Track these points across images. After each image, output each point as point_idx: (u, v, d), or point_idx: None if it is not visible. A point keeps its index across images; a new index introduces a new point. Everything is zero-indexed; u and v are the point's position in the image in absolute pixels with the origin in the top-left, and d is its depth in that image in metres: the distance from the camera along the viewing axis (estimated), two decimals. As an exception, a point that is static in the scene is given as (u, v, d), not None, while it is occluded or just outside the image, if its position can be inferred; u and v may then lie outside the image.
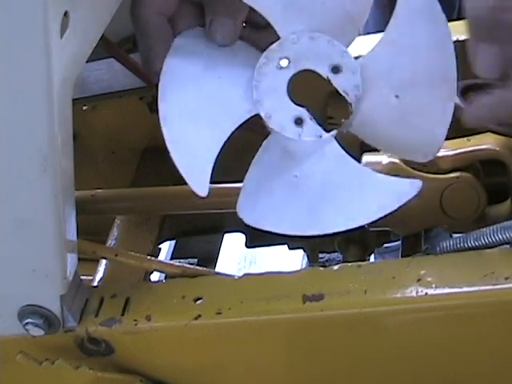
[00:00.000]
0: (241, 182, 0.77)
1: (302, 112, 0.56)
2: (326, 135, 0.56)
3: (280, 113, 0.55)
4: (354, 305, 0.56)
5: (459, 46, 0.80)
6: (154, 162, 0.90)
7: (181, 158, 0.57)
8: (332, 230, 0.57)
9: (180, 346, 0.60)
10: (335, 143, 0.57)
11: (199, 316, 0.58)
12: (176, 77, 0.58)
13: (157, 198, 0.79)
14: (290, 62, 0.56)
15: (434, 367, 0.59)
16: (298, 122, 0.56)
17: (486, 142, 0.68)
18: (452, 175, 0.68)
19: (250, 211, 0.57)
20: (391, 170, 0.69)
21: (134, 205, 0.80)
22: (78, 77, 0.54)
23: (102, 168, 0.93)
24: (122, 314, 0.59)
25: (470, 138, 0.69)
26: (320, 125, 0.56)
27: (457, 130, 0.69)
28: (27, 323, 0.58)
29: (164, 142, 0.91)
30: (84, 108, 0.88)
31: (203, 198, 0.56)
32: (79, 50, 0.53)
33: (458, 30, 0.80)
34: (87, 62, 0.55)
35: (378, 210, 0.56)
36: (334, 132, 0.56)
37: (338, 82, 0.56)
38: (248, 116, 0.56)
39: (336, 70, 0.56)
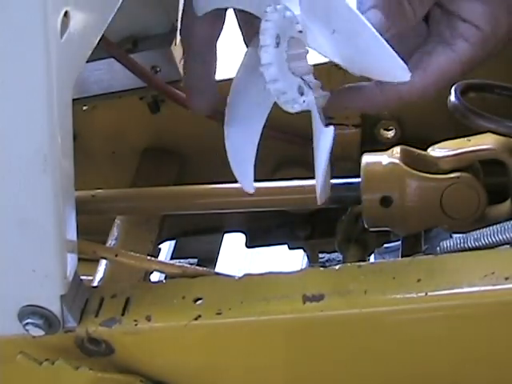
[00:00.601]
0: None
1: (300, 81, 0.56)
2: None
3: (291, 92, 0.55)
4: (354, 305, 0.56)
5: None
6: (154, 162, 0.90)
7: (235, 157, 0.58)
8: None
9: (180, 346, 0.60)
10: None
11: (199, 316, 0.58)
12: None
13: (157, 198, 0.79)
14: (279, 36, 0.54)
15: (434, 367, 0.59)
16: (300, 89, 0.55)
17: (486, 142, 0.68)
18: (452, 175, 0.68)
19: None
20: (391, 170, 0.69)
21: (134, 205, 0.80)
22: (77, 77, 0.54)
23: (102, 168, 0.93)
24: (122, 314, 0.59)
25: (470, 138, 0.69)
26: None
27: (457, 130, 0.69)
28: (27, 323, 0.58)
29: (164, 141, 0.91)
30: (84, 108, 0.88)
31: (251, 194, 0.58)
32: (79, 50, 0.53)
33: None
34: (87, 62, 0.55)
35: None
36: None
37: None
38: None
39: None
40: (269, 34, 0.54)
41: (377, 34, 0.51)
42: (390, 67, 0.53)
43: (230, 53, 0.89)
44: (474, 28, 0.56)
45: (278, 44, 0.54)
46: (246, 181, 0.60)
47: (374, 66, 0.54)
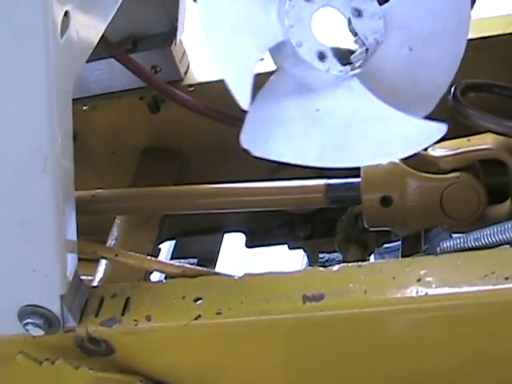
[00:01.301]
0: (240, 181, 0.77)
1: (326, 48, 0.56)
2: (350, 72, 0.56)
3: (307, 44, 0.55)
4: (354, 305, 0.56)
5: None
6: (154, 161, 0.90)
7: (225, 69, 0.54)
8: (362, 163, 0.59)
9: (180, 346, 0.60)
10: (357, 80, 0.57)
11: (199, 316, 0.58)
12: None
13: (157, 197, 0.79)
14: None
15: (434, 367, 0.59)
16: (322, 56, 0.56)
17: (486, 142, 0.68)
18: (452, 175, 0.68)
19: (261, 144, 0.55)
20: (391, 170, 0.69)
21: (134, 205, 0.80)
22: (77, 77, 0.54)
23: (102, 168, 0.93)
24: (122, 314, 0.59)
25: (470, 138, 0.69)
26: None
27: (457, 130, 0.69)
28: (27, 323, 0.58)
29: (164, 141, 0.91)
30: (84, 108, 0.88)
31: (246, 111, 0.54)
32: (79, 50, 0.53)
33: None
34: (87, 62, 0.55)
35: (404, 148, 0.57)
36: (357, 70, 0.56)
37: (359, 25, 0.57)
38: (279, 40, 0.56)
39: (357, 13, 0.57)
40: None
41: None
42: None
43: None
44: None
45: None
46: (242, 96, 0.54)
47: None
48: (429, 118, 0.59)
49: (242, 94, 0.52)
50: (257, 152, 0.54)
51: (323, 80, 0.56)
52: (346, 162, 0.57)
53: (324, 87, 0.57)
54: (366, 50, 0.57)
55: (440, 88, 0.60)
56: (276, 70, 0.57)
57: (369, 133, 0.57)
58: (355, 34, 0.57)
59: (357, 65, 0.57)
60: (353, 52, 0.57)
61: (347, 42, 0.58)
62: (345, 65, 0.56)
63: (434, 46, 0.58)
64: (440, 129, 0.56)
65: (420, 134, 0.57)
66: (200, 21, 0.53)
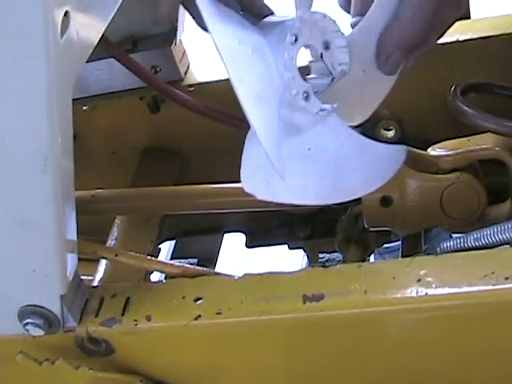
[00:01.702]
0: (240, 181, 0.77)
1: (309, 86, 0.58)
2: (331, 107, 0.59)
3: (297, 87, 0.58)
4: (354, 305, 0.56)
5: (459, 45, 0.81)
6: (154, 161, 0.90)
7: (261, 133, 0.56)
8: (354, 196, 0.61)
9: (180, 346, 0.60)
10: (336, 116, 0.60)
11: (199, 316, 0.58)
12: (232, 57, 0.56)
13: (157, 197, 0.79)
14: (296, 40, 0.58)
15: (434, 367, 0.59)
16: (306, 96, 0.58)
17: (485, 142, 0.68)
18: (452, 175, 0.68)
19: (263, 187, 0.57)
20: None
21: (134, 205, 0.80)
22: (77, 77, 0.54)
23: (102, 168, 0.93)
24: (122, 314, 0.59)
25: (470, 138, 0.69)
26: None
27: (457, 130, 0.69)
28: (27, 323, 0.58)
29: (164, 141, 0.91)
30: (84, 108, 0.88)
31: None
32: (79, 49, 0.53)
33: (458, 30, 0.81)
34: (87, 62, 0.55)
35: (386, 173, 0.62)
36: (334, 104, 0.59)
37: (327, 57, 0.60)
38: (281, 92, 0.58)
39: (326, 45, 0.60)
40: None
41: None
42: None
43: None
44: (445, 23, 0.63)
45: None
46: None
47: None
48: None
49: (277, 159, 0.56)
50: (260, 195, 0.57)
51: (309, 119, 0.59)
52: (342, 197, 0.61)
53: (311, 126, 0.59)
54: (332, 79, 0.61)
55: (379, 99, 0.65)
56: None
57: (355, 165, 0.61)
58: (325, 66, 0.61)
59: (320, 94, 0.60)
60: (319, 82, 0.61)
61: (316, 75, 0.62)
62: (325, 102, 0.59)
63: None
64: (404, 150, 0.63)
65: (393, 157, 0.63)
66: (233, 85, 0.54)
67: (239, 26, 0.59)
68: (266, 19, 0.62)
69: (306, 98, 0.58)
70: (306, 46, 0.60)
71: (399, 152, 0.63)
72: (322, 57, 0.61)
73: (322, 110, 0.59)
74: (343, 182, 0.60)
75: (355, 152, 0.61)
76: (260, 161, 0.56)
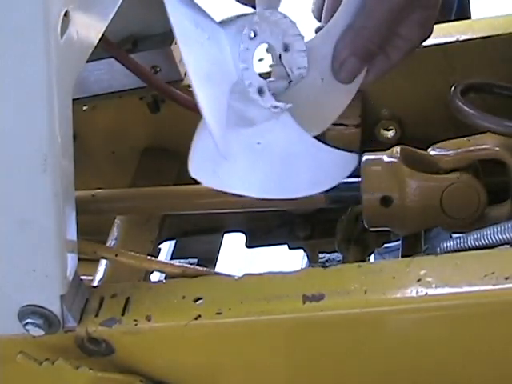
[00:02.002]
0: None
1: (264, 83, 0.60)
2: (284, 105, 0.60)
3: (251, 81, 0.59)
4: (354, 305, 0.56)
5: (459, 45, 0.81)
6: (154, 161, 0.90)
7: (207, 112, 0.56)
8: (299, 195, 0.62)
9: (180, 346, 0.60)
10: (288, 114, 0.61)
11: (199, 316, 0.58)
12: (187, 37, 0.57)
13: (157, 197, 0.79)
14: (256, 35, 0.59)
15: (434, 367, 0.59)
16: (261, 91, 0.59)
17: (485, 142, 0.68)
18: (452, 175, 0.68)
19: (209, 175, 0.59)
20: (391, 170, 0.69)
21: (134, 205, 0.80)
22: (77, 77, 0.54)
23: (102, 168, 0.93)
24: (122, 314, 0.59)
25: (469, 138, 0.69)
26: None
27: (457, 129, 0.69)
28: (27, 323, 0.58)
29: (164, 141, 0.91)
30: (84, 108, 0.88)
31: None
32: (79, 49, 0.53)
33: (458, 30, 0.81)
34: (87, 62, 0.55)
35: (333, 178, 0.63)
36: (288, 104, 0.60)
37: (285, 59, 0.61)
38: (234, 81, 0.59)
39: (286, 47, 0.61)
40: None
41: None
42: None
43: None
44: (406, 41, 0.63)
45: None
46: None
47: None
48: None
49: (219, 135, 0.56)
50: (207, 183, 0.58)
51: (262, 114, 0.60)
52: (286, 194, 0.62)
53: (263, 121, 0.60)
54: (290, 81, 0.62)
55: (338, 111, 0.67)
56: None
57: (303, 165, 0.62)
58: (283, 68, 0.62)
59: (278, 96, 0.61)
60: (277, 84, 0.62)
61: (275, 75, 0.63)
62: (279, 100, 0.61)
63: None
64: (355, 158, 0.64)
65: (344, 163, 0.64)
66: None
67: (199, 13, 0.59)
68: (227, 16, 0.62)
69: (260, 93, 0.59)
70: (266, 45, 0.61)
71: (350, 159, 0.64)
72: (280, 58, 0.61)
73: (275, 106, 0.60)
74: (289, 180, 0.61)
75: (304, 152, 0.62)
76: (209, 148, 0.57)
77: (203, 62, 0.56)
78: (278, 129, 0.61)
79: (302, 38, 0.62)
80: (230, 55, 0.59)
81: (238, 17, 0.60)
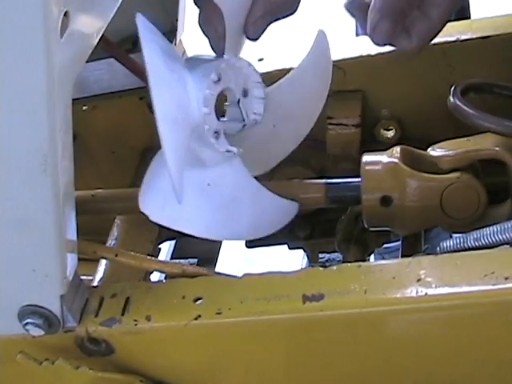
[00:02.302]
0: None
1: (221, 126, 0.63)
2: (237, 151, 0.63)
3: (209, 124, 0.62)
4: (354, 305, 0.56)
5: (459, 45, 0.81)
6: (154, 161, 0.90)
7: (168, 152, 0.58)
8: (240, 238, 0.68)
9: (180, 346, 0.60)
10: (239, 159, 0.65)
11: (199, 316, 0.58)
12: (157, 78, 0.58)
13: (157, 197, 0.79)
14: (219, 80, 0.62)
15: (434, 367, 0.59)
16: (216, 135, 0.62)
17: (485, 142, 0.68)
18: (452, 175, 0.68)
19: (158, 210, 0.60)
20: (391, 170, 0.69)
21: (134, 205, 0.79)
22: (77, 77, 0.54)
23: (102, 168, 0.93)
24: (122, 314, 0.59)
25: (469, 138, 0.69)
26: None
27: (457, 129, 0.69)
28: (27, 323, 0.58)
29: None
30: (84, 108, 0.88)
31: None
32: (79, 49, 0.53)
33: (458, 30, 0.81)
34: (87, 62, 0.55)
35: (273, 225, 0.67)
36: (240, 149, 0.63)
37: (243, 103, 0.65)
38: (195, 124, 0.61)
39: (245, 93, 0.65)
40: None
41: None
42: None
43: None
44: None
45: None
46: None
47: None
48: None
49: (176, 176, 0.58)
50: (153, 217, 0.60)
51: (215, 156, 0.63)
52: (229, 236, 0.67)
53: (215, 163, 0.63)
54: (244, 125, 0.65)
55: (283, 155, 0.71)
56: None
57: (246, 211, 0.65)
58: (239, 111, 0.65)
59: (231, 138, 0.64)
60: (231, 125, 0.65)
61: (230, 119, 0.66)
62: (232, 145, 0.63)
63: (291, 124, 0.69)
64: (295, 206, 0.69)
65: (285, 210, 0.68)
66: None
67: (171, 53, 0.61)
68: (195, 55, 0.65)
69: (216, 137, 0.62)
70: (227, 89, 0.64)
71: (291, 206, 0.68)
72: (238, 103, 0.65)
73: (228, 151, 0.63)
74: (232, 223, 0.64)
75: (249, 198, 0.65)
76: (161, 184, 0.60)
77: (170, 105, 0.58)
78: (228, 172, 0.64)
79: (263, 86, 0.65)
80: (194, 99, 0.61)
81: (205, 61, 0.63)
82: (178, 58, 0.63)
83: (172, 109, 0.58)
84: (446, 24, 0.66)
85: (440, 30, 0.66)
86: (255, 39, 0.63)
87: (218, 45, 0.62)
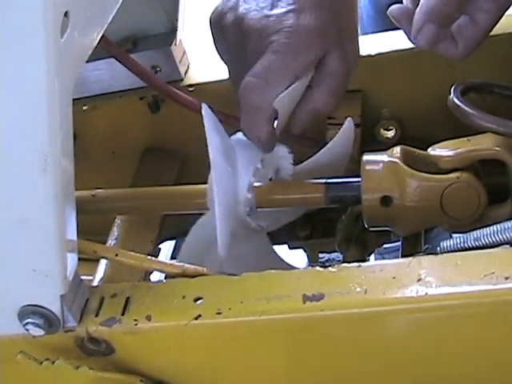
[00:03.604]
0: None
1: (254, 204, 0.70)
2: (266, 226, 0.72)
3: (252, 206, 0.69)
4: (354, 305, 0.56)
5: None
6: (154, 161, 0.90)
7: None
8: None
9: (180, 346, 0.60)
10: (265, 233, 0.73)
11: (199, 316, 0.58)
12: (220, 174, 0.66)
13: (157, 197, 0.79)
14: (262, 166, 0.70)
15: (434, 366, 0.59)
16: (249, 211, 0.69)
17: (486, 142, 0.68)
18: (452, 175, 0.68)
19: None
20: (391, 170, 0.69)
21: (133, 205, 0.80)
22: (77, 77, 0.54)
23: (102, 168, 0.93)
24: (122, 314, 0.59)
25: (470, 138, 0.69)
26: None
27: (457, 129, 0.69)
28: (27, 323, 0.58)
29: (164, 141, 0.91)
30: (84, 108, 0.88)
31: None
32: (79, 49, 0.53)
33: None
34: (87, 62, 0.55)
35: None
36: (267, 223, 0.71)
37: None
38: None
39: (277, 172, 0.72)
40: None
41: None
42: None
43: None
44: (491, 1, 0.62)
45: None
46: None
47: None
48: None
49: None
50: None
51: (245, 232, 0.70)
52: None
53: (244, 237, 0.70)
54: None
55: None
56: None
57: None
58: None
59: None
60: None
61: None
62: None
63: None
64: None
65: None
66: None
67: (227, 145, 0.68)
68: (239, 137, 0.69)
69: (249, 213, 0.69)
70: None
71: None
72: (270, 180, 0.71)
73: (260, 225, 0.70)
74: None
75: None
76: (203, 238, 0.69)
77: (228, 196, 0.65)
78: (253, 243, 0.71)
79: (292, 165, 0.72)
80: (241, 185, 0.67)
81: (250, 146, 0.68)
82: (232, 147, 0.68)
83: (229, 198, 0.66)
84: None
85: (486, 37, 0.65)
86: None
87: (265, 150, 0.68)
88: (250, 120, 0.66)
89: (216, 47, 0.74)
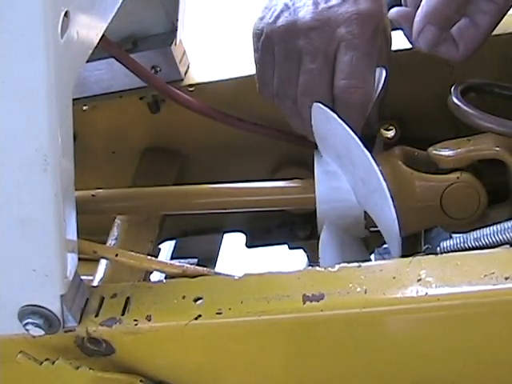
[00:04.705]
0: (240, 181, 0.77)
1: None
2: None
3: None
4: (354, 305, 0.56)
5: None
6: (154, 161, 0.90)
7: None
8: None
9: (180, 346, 0.60)
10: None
11: (199, 316, 0.58)
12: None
13: (157, 197, 0.79)
14: None
15: (434, 367, 0.59)
16: None
17: (486, 142, 0.68)
18: (452, 175, 0.68)
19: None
20: (392, 170, 0.69)
21: (134, 205, 0.80)
22: (77, 77, 0.54)
23: (102, 168, 0.93)
24: (122, 314, 0.59)
25: (470, 138, 0.69)
26: None
27: (457, 129, 0.69)
28: (27, 323, 0.58)
29: (164, 141, 0.91)
30: (84, 108, 0.88)
31: None
32: (79, 49, 0.53)
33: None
34: (87, 62, 0.55)
35: None
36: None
37: None
38: None
39: None
40: None
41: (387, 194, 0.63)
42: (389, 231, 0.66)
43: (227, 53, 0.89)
44: (491, 3, 0.63)
45: None
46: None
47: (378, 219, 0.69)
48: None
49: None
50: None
51: None
52: None
53: None
54: None
55: None
56: None
57: None
58: None
59: None
60: None
61: None
62: None
63: None
64: None
65: None
66: None
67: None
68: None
69: None
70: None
71: None
72: None
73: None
74: None
75: None
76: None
77: None
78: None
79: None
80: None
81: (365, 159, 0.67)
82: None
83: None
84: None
85: (487, 38, 0.65)
86: None
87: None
88: (356, 120, 0.69)
89: (259, 63, 0.73)
